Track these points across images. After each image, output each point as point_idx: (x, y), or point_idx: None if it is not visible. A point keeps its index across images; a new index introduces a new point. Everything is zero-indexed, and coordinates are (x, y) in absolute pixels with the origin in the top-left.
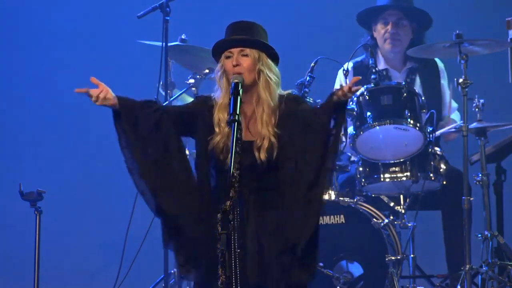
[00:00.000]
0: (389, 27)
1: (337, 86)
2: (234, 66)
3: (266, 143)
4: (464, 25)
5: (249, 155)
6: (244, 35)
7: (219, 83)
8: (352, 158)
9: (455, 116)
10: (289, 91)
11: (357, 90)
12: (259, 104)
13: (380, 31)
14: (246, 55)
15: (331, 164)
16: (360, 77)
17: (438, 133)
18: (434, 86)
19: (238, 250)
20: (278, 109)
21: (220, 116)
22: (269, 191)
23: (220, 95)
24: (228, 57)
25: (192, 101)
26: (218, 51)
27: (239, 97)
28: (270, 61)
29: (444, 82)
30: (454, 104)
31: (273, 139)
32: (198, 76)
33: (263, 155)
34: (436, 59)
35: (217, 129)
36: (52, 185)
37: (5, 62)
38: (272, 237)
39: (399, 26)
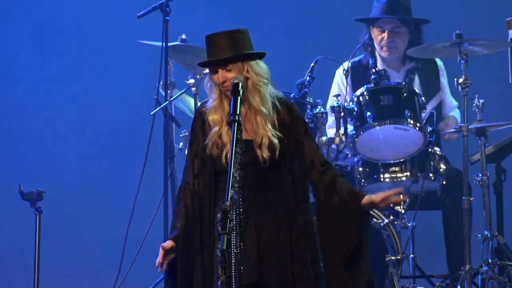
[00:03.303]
0: (385, 35)
1: (334, 86)
2: (221, 83)
3: (266, 141)
4: (464, 25)
5: (250, 154)
6: (221, 52)
7: (210, 93)
8: (349, 156)
9: (456, 114)
10: (280, 94)
11: (391, 203)
12: (251, 107)
13: (377, 37)
14: (230, 70)
15: None
16: (401, 196)
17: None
18: (434, 84)
19: (237, 250)
20: (274, 108)
21: (211, 117)
22: (269, 191)
23: (213, 100)
24: (215, 72)
25: (191, 134)
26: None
27: (239, 97)
28: (255, 63)
29: (444, 80)
30: (454, 102)
31: (273, 139)
32: (198, 76)
33: (265, 154)
34: (435, 58)
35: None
36: (52, 185)
37: (4, 62)
38: (271, 236)
39: (395, 33)
